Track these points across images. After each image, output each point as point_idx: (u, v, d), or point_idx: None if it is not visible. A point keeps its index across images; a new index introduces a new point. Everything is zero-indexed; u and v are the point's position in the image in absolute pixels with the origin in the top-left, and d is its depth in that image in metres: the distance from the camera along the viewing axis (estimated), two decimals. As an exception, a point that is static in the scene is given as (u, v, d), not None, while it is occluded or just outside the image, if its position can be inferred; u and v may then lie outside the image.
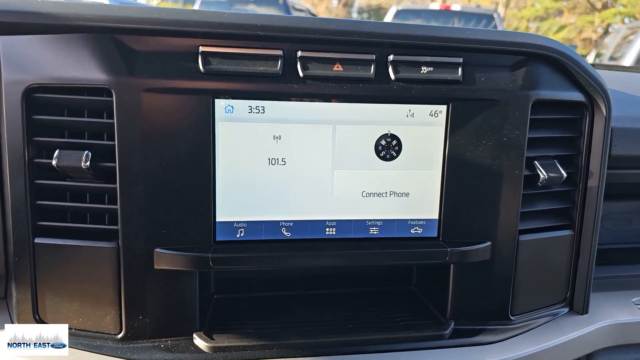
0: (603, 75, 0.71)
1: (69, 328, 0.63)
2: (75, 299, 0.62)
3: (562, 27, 14.16)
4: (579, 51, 9.82)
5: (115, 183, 0.60)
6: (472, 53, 0.65)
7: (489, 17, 6.72)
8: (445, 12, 6.88)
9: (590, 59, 7.91)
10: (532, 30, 15.53)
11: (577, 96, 0.70)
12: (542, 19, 15.44)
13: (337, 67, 0.62)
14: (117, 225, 0.60)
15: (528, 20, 15.74)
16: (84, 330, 0.63)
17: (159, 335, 0.63)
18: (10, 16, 0.57)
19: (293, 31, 0.60)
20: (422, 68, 0.64)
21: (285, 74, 0.61)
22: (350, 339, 0.66)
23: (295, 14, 7.50)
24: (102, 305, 0.62)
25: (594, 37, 13.66)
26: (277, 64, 0.60)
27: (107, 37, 0.58)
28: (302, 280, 0.78)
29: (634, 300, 0.79)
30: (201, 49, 0.59)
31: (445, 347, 0.67)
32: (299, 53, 0.61)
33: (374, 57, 0.62)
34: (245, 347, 0.63)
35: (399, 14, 6.74)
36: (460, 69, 0.64)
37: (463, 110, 0.65)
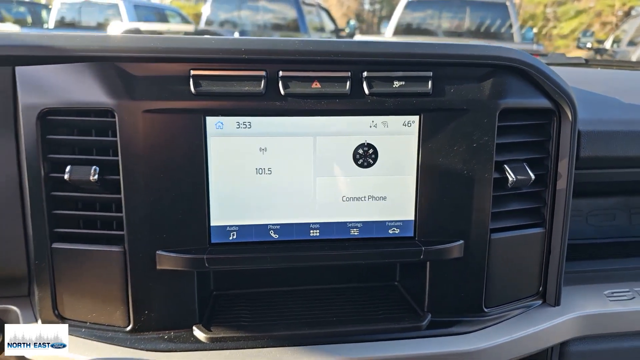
0: (600, 74, 0.74)
1: (84, 322, 0.71)
2: (89, 297, 0.71)
3: (579, 12, 13.83)
4: (597, 36, 9.59)
5: (120, 193, 0.67)
6: (441, 67, 0.70)
7: (502, 6, 6.64)
8: (457, 2, 6.82)
9: (607, 44, 7.74)
10: (549, 16, 15.20)
11: (543, 103, 0.75)
12: (559, 3, 15.10)
13: (316, 84, 0.68)
14: (123, 230, 0.68)
15: (545, 6, 15.41)
16: (98, 324, 0.71)
17: (163, 328, 0.71)
18: (26, 50, 0.65)
19: (274, 53, 0.67)
20: (395, 82, 0.69)
21: (268, 92, 0.67)
22: (333, 331, 0.72)
23: (305, 8, 7.53)
24: (113, 302, 0.70)
25: (615, 20, 13.32)
26: (261, 84, 0.67)
27: (109, 65, 0.65)
28: (294, 277, 0.84)
29: (605, 292, 0.83)
30: (192, 72, 0.66)
31: (422, 337, 0.73)
32: (280, 73, 0.67)
33: (349, 74, 0.68)
34: (238, 338, 0.71)
35: (409, 5, 6.70)
36: (430, 82, 0.69)
37: (434, 119, 0.71)
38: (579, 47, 7.34)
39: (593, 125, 0.80)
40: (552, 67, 0.75)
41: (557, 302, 0.80)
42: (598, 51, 7.42)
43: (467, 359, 0.72)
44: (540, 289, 0.81)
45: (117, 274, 0.69)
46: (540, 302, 0.81)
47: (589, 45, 7.22)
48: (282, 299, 0.81)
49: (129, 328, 0.71)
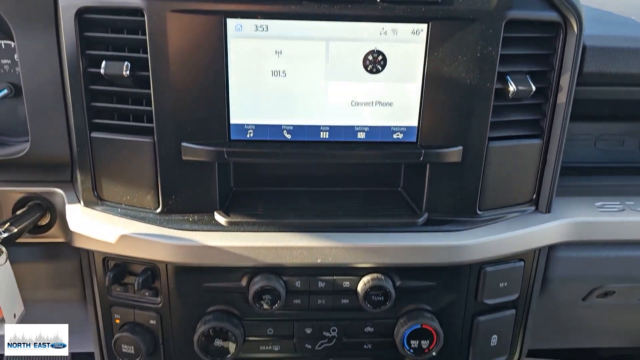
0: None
1: (120, 204, 0.81)
2: (124, 182, 0.80)
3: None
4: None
5: (149, 89, 0.75)
6: (451, -24, 0.73)
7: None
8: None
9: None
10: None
11: (551, 15, 0.77)
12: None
13: (330, -11, 0.72)
14: (152, 123, 0.76)
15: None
16: (131, 206, 0.81)
17: (188, 211, 0.81)
18: None
19: (291, -42, 0.70)
20: (405, -10, 0.72)
21: (285, -4, 0.72)
22: (337, 222, 0.81)
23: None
24: (144, 187, 0.80)
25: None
26: (278, -13, 0.71)
27: None
28: (306, 180, 0.92)
29: (596, 204, 0.88)
30: (215, -25, 0.70)
31: (418, 232, 0.81)
32: (297, -23, 0.71)
33: (362, -20, 0.72)
34: (254, 224, 0.80)
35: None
36: (438, -10, 0.72)
37: (441, 28, 0.74)
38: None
39: (599, 40, 0.82)
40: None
41: (548, 210, 0.86)
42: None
43: (457, 252, 0.80)
44: (534, 197, 0.86)
45: (147, 162, 0.78)
46: (532, 208, 0.87)
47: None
48: (294, 197, 0.89)
49: (158, 210, 0.80)
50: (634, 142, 1.10)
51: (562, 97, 0.81)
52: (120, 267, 0.82)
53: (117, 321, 0.86)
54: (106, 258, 0.83)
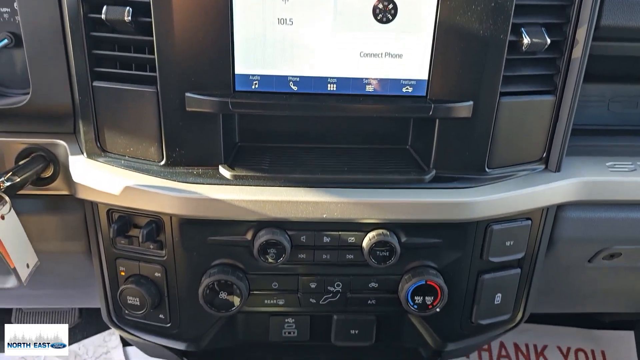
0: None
1: (123, 155, 0.80)
2: (127, 133, 0.79)
3: None
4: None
5: (152, 36, 0.72)
6: None
7: None
8: None
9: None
10: None
11: (569, -36, 0.73)
12: None
13: None
14: (155, 72, 0.74)
15: None
16: (135, 158, 0.80)
17: (192, 164, 0.80)
18: None
19: None
20: None
21: (292, -62, 0.69)
22: (343, 177, 0.80)
23: None
24: (148, 139, 0.79)
25: None
26: None
27: None
28: (312, 136, 0.90)
29: (607, 164, 0.87)
30: None
31: (425, 188, 0.80)
32: None
33: None
34: (259, 178, 0.79)
35: None
36: None
37: (455, -25, 0.71)
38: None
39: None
40: None
41: (558, 168, 0.84)
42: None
43: (464, 209, 0.79)
44: (544, 155, 0.85)
45: (151, 113, 0.77)
46: (542, 167, 0.85)
47: None
48: (300, 153, 0.88)
49: (162, 163, 0.79)
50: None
51: (577, 52, 0.78)
52: (124, 219, 0.81)
53: (122, 273, 0.87)
54: (110, 210, 0.82)
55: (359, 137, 0.91)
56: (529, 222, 0.85)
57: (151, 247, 0.83)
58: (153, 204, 0.78)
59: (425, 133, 0.84)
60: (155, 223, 0.81)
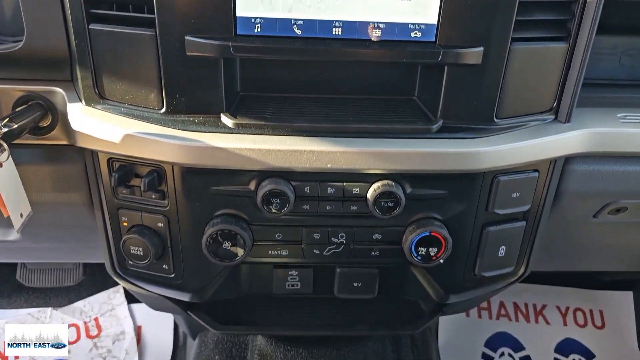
0: None
1: (123, 103, 0.78)
2: (126, 79, 0.77)
3: None
4: None
5: (149, -25, 0.69)
6: None
7: None
8: None
9: None
10: None
11: None
12: None
13: None
14: (153, 14, 0.71)
15: None
16: (135, 105, 0.78)
17: (193, 112, 0.77)
18: None
19: None
20: None
21: None
22: (349, 126, 0.78)
23: None
24: (147, 85, 0.76)
25: None
26: None
27: None
28: (317, 85, 0.88)
29: (619, 115, 0.85)
30: None
31: (431, 138, 0.78)
32: None
33: None
34: (262, 126, 0.77)
35: None
36: None
37: None
38: None
39: None
40: None
41: (567, 119, 0.82)
42: None
43: (471, 159, 0.77)
44: (554, 105, 0.83)
45: (150, 58, 0.74)
46: (551, 118, 0.83)
47: None
48: (304, 102, 0.85)
49: (162, 110, 0.77)
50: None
51: (594, -4, 0.75)
52: (125, 168, 0.80)
53: (125, 224, 0.86)
54: (111, 159, 0.81)
55: (365, 86, 0.88)
56: (537, 174, 0.84)
57: (153, 196, 0.82)
58: (154, 152, 0.76)
59: (433, 82, 0.81)
60: (157, 172, 0.80)
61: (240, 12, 0.73)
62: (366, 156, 0.76)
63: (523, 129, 0.81)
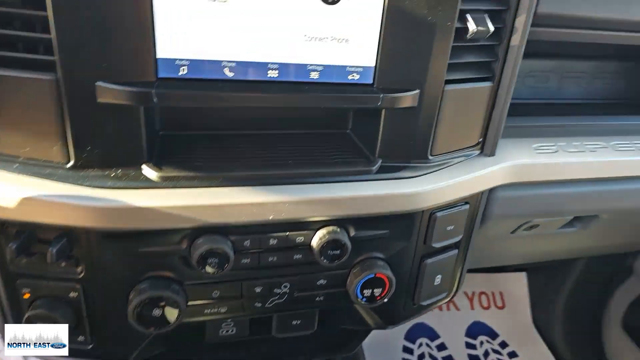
0: None
1: (17, 157, 0.65)
2: (22, 129, 0.63)
3: None
4: None
5: (45, 10, 0.57)
6: None
7: None
8: None
9: None
10: None
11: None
12: None
13: None
14: (53, 55, 0.59)
15: None
16: (33, 159, 0.65)
17: (109, 166, 0.67)
18: None
19: None
20: None
21: None
22: (289, 172, 0.73)
23: None
24: (48, 136, 0.64)
25: None
26: None
27: None
28: (245, 122, 0.81)
29: (534, 146, 0.91)
30: None
31: (372, 180, 0.77)
32: None
33: None
34: (192, 177, 0.69)
35: None
36: None
37: (406, -46, 0.65)
38: None
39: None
40: None
41: (492, 153, 0.86)
42: None
43: (412, 200, 0.77)
44: (480, 140, 0.86)
45: (50, 106, 0.62)
46: (478, 152, 0.87)
47: None
48: (234, 142, 0.78)
49: (69, 164, 0.65)
50: (556, 79, 1.15)
51: (516, 40, 0.78)
52: (25, 235, 0.66)
53: (27, 296, 0.72)
54: (5, 224, 0.67)
55: (297, 122, 0.84)
56: (467, 205, 0.87)
57: (63, 264, 0.70)
58: (60, 217, 0.64)
59: (367, 119, 0.80)
60: (67, 237, 0.67)
61: (162, 53, 0.63)
62: (310, 204, 0.72)
63: (455, 166, 0.83)
